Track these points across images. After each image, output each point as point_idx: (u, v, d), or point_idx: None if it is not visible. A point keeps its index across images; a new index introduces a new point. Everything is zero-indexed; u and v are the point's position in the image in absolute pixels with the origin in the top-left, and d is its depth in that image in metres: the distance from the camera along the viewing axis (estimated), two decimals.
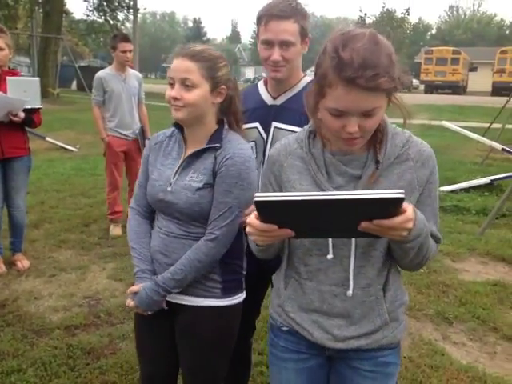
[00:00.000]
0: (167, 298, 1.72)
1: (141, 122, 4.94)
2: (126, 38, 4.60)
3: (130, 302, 1.74)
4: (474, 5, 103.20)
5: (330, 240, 1.32)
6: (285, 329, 1.48)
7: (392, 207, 1.08)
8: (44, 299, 3.52)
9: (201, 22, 61.95)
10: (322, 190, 1.30)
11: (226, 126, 1.71)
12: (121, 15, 24.48)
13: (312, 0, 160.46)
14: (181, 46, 1.69)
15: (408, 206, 1.11)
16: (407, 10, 22.32)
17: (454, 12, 66.80)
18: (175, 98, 1.60)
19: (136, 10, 22.02)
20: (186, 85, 1.59)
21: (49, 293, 3.62)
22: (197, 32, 60.44)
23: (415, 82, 36.80)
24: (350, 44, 1.13)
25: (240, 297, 1.77)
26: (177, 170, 1.69)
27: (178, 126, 1.74)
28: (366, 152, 1.31)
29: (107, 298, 3.58)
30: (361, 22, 22.64)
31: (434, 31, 53.29)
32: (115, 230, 4.89)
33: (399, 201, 1.05)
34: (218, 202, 1.62)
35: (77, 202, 5.99)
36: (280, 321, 1.49)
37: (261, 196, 1.08)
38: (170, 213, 1.69)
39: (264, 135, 1.94)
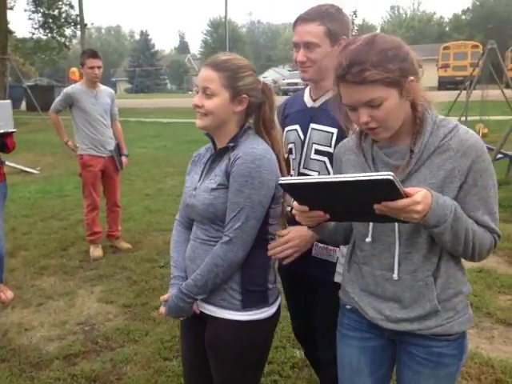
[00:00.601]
0: (201, 309, 1.73)
1: (116, 138, 4.83)
2: (94, 54, 4.49)
3: (162, 309, 1.77)
4: (413, 4, 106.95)
5: (371, 225, 1.45)
6: (348, 307, 1.62)
7: (388, 189, 1.16)
8: (36, 330, 3.38)
9: (148, 34, 60.99)
10: None
11: (250, 131, 1.72)
12: (68, 31, 23.97)
13: (259, 8, 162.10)
14: (211, 56, 1.72)
15: (416, 191, 1.22)
16: (355, 13, 22.90)
17: (396, 12, 69.07)
18: (197, 106, 1.67)
19: (83, 26, 21.59)
20: (207, 93, 1.65)
21: (39, 322, 3.47)
22: (144, 44, 59.67)
23: None
24: (346, 48, 1.33)
25: (266, 311, 1.69)
26: (201, 174, 1.75)
27: (210, 136, 1.78)
28: (407, 144, 1.40)
29: (102, 322, 3.46)
30: None
31: (378, 31, 55.08)
32: (96, 252, 4.75)
33: (388, 182, 1.13)
34: (231, 203, 1.62)
35: (49, 225, 5.78)
36: (344, 299, 1.63)
37: (282, 179, 1.33)
38: (195, 217, 1.74)
39: (302, 136, 1.99)
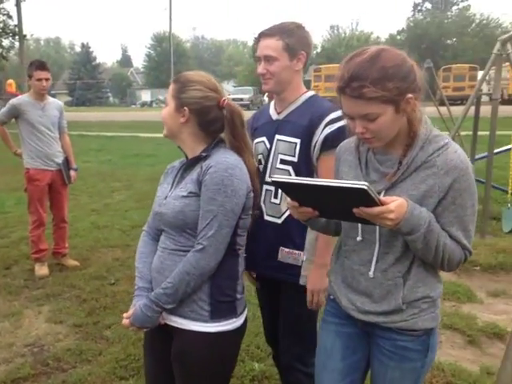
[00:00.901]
0: (166, 321, 1.71)
1: (64, 151, 4.68)
2: (42, 66, 4.35)
3: (126, 321, 1.73)
4: (352, 24, 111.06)
5: (360, 225, 1.55)
6: (332, 297, 1.74)
7: (362, 196, 1.28)
8: None
9: (89, 47, 59.68)
10: None
11: (222, 144, 1.76)
12: (6, 42, 23.05)
13: (203, 23, 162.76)
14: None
15: (392, 200, 1.33)
16: None
17: (335, 31, 71.41)
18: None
19: (22, 37, 20.85)
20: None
21: None
22: (85, 57, 58.24)
23: None
24: (351, 60, 1.38)
25: (234, 322, 1.70)
26: (172, 183, 1.78)
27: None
28: (399, 155, 1.49)
29: (51, 343, 3.32)
30: None
31: (319, 50, 56.41)
32: (42, 270, 4.56)
33: (362, 191, 1.25)
34: (204, 211, 1.63)
35: None
36: (329, 290, 1.75)
37: (274, 177, 1.44)
38: (164, 226, 1.74)
39: (268, 147, 2.09)
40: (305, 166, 2.02)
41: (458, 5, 63.67)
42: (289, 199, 1.50)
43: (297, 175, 2.00)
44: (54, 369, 3.02)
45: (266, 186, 2.08)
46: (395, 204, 1.33)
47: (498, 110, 5.48)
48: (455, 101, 24.02)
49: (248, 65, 48.08)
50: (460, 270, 4.73)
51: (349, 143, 1.65)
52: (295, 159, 2.00)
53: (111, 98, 58.63)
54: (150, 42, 60.58)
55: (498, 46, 5.32)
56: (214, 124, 1.74)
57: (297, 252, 2.03)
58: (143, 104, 53.82)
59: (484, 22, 58.75)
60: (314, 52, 27.91)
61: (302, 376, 2.06)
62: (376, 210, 1.31)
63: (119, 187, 8.57)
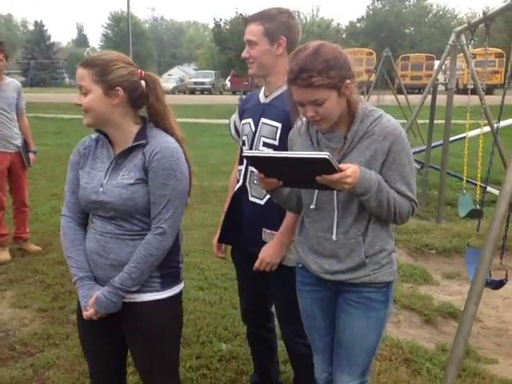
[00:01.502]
0: None
1: (22, 133, 4.56)
2: None
3: (89, 312, 1.75)
4: (312, 10, 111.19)
5: (315, 195, 1.77)
6: (300, 265, 1.94)
7: (325, 165, 1.49)
8: None
9: (43, 25, 57.32)
10: None
11: (151, 124, 1.79)
12: None
13: (163, 4, 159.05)
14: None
15: (348, 167, 1.55)
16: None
17: (297, 17, 71.37)
18: (77, 105, 1.72)
19: None
20: (82, 91, 1.71)
21: None
22: (39, 35, 55.91)
23: None
24: (297, 56, 1.62)
25: (178, 287, 1.87)
26: (107, 171, 1.76)
27: (101, 131, 1.80)
28: (344, 131, 1.73)
29: (17, 328, 3.30)
30: (216, 26, 23.03)
31: None
32: (3, 255, 4.47)
33: (325, 160, 1.47)
34: (156, 197, 1.71)
35: None
36: (296, 258, 1.95)
37: (247, 152, 1.67)
38: (105, 213, 1.75)
39: (253, 129, 2.19)
40: (284, 149, 2.08)
41: None
42: (256, 171, 1.69)
43: None
44: (22, 353, 3.00)
45: (250, 168, 2.16)
46: (351, 170, 1.56)
47: (453, 99, 5.71)
48: (413, 89, 24.61)
49: (209, 48, 47.46)
50: (417, 254, 4.97)
51: (299, 128, 1.87)
52: (276, 142, 2.10)
53: (67, 79, 56.72)
54: (107, 22, 58.99)
55: (453, 37, 5.51)
56: (140, 98, 1.77)
57: (276, 233, 2.12)
58: None
59: (440, 12, 60.17)
60: None
61: (302, 347, 2.24)
62: (336, 176, 1.53)
63: None
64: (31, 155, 4.65)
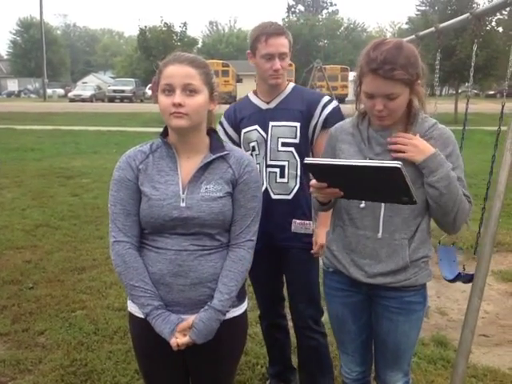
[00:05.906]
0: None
1: None
2: None
3: (183, 340, 1.56)
4: (230, 21, 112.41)
5: None
6: (331, 270, 1.91)
7: (395, 174, 1.41)
8: None
9: None
10: (364, 157, 1.72)
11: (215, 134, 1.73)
12: None
13: (75, 11, 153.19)
14: (173, 54, 1.62)
15: (417, 137, 1.64)
16: (185, 24, 23.13)
17: (214, 27, 71.83)
18: (179, 105, 1.51)
19: None
20: (190, 90, 1.53)
21: None
22: None
23: None
24: (379, 47, 1.61)
25: (246, 299, 1.77)
26: (184, 185, 1.59)
27: (162, 139, 1.64)
28: (398, 130, 1.72)
29: None
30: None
31: (199, 45, 56.36)
32: None
33: (396, 169, 1.40)
34: (247, 209, 1.64)
35: None
36: (327, 263, 1.91)
37: (308, 160, 1.56)
38: (186, 230, 1.58)
39: (264, 134, 2.26)
40: (304, 146, 2.26)
41: (327, 9, 67.83)
42: (314, 181, 1.64)
43: (299, 155, 2.24)
44: None
45: (268, 169, 2.27)
46: (421, 140, 1.64)
47: None
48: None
49: (127, 56, 46.35)
50: None
51: (345, 124, 1.87)
52: (297, 141, 2.23)
53: None
54: (16, 28, 55.63)
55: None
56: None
57: (307, 222, 2.29)
58: (10, 94, 49.27)
59: (351, 26, 63.35)
60: (195, 47, 27.88)
61: (317, 334, 2.32)
62: (410, 137, 1.63)
63: (8, 184, 7.82)
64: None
